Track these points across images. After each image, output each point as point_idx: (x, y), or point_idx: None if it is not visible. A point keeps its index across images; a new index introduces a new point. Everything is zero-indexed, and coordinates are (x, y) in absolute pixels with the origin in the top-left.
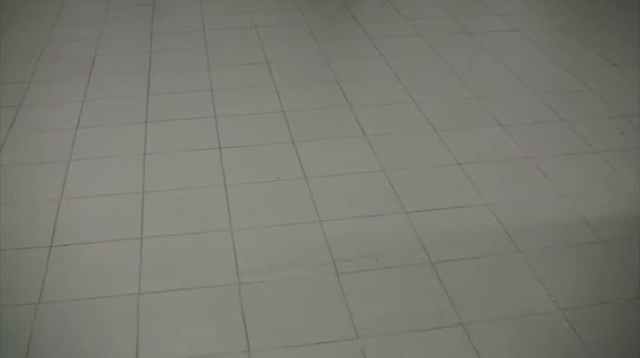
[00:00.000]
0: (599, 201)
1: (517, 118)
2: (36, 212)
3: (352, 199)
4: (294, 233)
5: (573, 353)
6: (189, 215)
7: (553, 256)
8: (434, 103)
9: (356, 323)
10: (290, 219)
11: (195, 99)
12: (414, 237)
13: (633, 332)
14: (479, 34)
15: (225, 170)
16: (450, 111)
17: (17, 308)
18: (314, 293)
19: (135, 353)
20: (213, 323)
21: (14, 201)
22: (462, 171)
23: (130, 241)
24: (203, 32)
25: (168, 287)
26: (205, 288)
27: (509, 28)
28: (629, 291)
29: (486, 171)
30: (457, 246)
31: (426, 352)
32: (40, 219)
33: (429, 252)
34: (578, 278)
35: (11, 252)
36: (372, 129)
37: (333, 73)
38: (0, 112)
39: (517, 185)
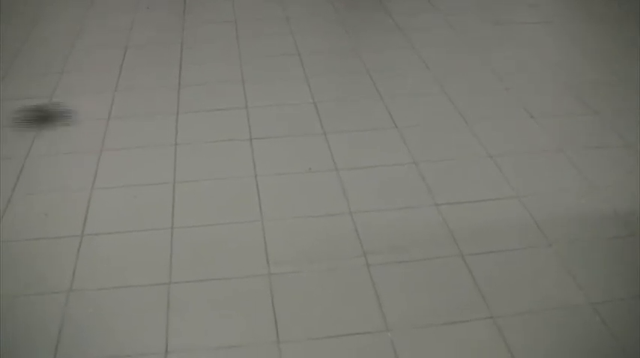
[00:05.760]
0: (632, 194)
1: (549, 110)
2: (68, 201)
3: (383, 191)
4: (324, 224)
5: (605, 347)
6: (219, 205)
7: (584, 249)
8: (465, 95)
9: (386, 316)
10: (321, 210)
11: (227, 90)
12: (444, 230)
13: None
14: (511, 24)
15: (256, 161)
16: (482, 103)
17: (49, 295)
18: (344, 285)
19: (164, 342)
20: (243, 313)
21: (47, 190)
22: (494, 163)
23: (160, 231)
24: (234, 23)
25: (198, 277)
26: (235, 279)
27: (542, 19)
28: None
29: (518, 164)
30: (488, 239)
31: (456, 345)
32: (72, 208)
33: (460, 245)
34: (610, 272)
35: (43, 241)
36: (403, 121)
37: (364, 65)
38: (33, 103)
39: (549, 177)
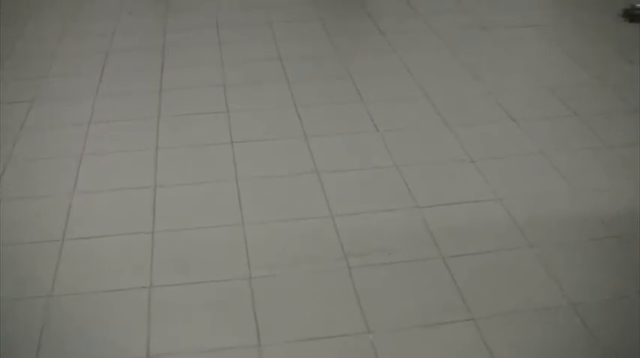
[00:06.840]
0: (613, 195)
1: (530, 113)
2: (48, 206)
3: (364, 194)
4: (305, 227)
5: (585, 349)
6: (200, 209)
7: (565, 251)
8: (447, 99)
9: (367, 318)
10: (302, 213)
11: (208, 94)
12: (425, 232)
13: None
14: (493, 28)
15: (237, 164)
16: (463, 107)
17: (29, 300)
18: (325, 287)
19: (146, 346)
20: (224, 317)
21: (27, 195)
22: (475, 166)
23: (141, 235)
24: (217, 28)
25: (179, 280)
26: (216, 282)
27: (524, 23)
28: None
29: (499, 166)
30: (469, 241)
31: (436, 347)
32: (53, 212)
33: (441, 247)
34: (591, 274)
35: (24, 246)
36: (384, 125)
37: (346, 69)
38: (14, 107)
39: (530, 180)
